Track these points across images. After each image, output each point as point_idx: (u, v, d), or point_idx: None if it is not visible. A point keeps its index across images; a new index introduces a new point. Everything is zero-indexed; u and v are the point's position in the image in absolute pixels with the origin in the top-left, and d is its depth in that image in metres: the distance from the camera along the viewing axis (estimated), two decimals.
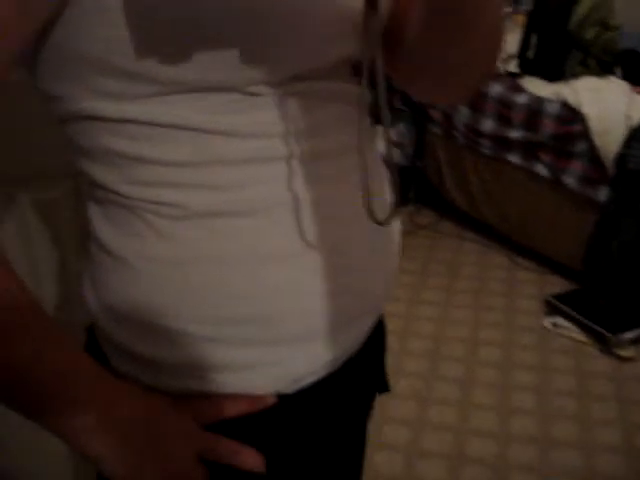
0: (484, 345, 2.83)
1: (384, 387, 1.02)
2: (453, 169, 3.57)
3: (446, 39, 0.68)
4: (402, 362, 2.64)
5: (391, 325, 0.97)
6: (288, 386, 0.76)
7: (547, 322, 2.92)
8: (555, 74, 3.08)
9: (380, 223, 0.55)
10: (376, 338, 0.93)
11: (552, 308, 2.96)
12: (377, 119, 0.60)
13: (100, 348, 0.78)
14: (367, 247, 0.78)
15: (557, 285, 3.16)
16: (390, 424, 2.35)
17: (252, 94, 0.66)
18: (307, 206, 0.72)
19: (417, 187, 3.71)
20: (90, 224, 0.74)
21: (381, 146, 0.83)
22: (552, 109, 2.96)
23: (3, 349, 0.63)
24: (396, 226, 0.86)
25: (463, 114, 3.34)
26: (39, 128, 1.28)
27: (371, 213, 0.55)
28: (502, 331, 2.91)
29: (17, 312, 0.64)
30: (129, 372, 0.75)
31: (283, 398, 0.76)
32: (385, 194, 0.82)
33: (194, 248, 0.69)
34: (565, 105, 2.92)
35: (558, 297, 2.97)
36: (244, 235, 0.70)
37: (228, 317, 0.71)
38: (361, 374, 0.89)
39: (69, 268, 1.44)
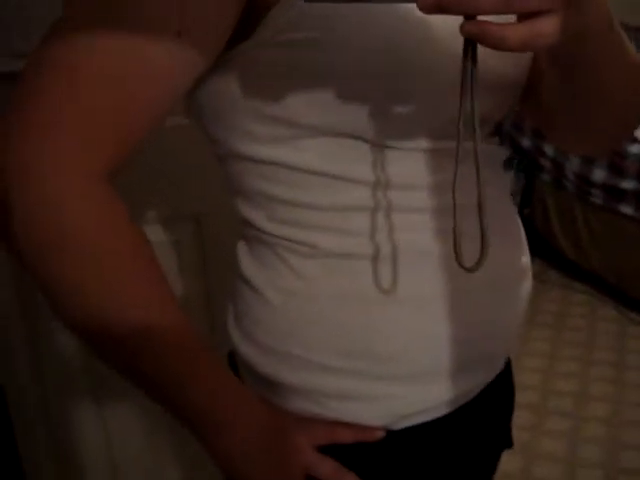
0: (593, 400, 2.75)
1: (507, 443, 1.02)
2: (562, 218, 3.51)
3: (576, 90, 0.71)
4: None
5: None
6: (396, 422, 0.79)
7: None
8: None
9: (468, 270, 0.57)
10: (504, 391, 0.94)
11: None
12: (509, 164, 0.62)
13: (237, 371, 0.85)
14: (491, 298, 0.80)
15: None
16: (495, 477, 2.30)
17: (384, 146, 0.71)
18: (432, 256, 0.75)
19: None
20: (237, 259, 0.82)
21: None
22: None
23: (159, 365, 0.70)
24: (526, 275, 0.88)
25: (574, 163, 3.29)
26: (168, 172, 1.35)
27: (459, 259, 0.57)
28: (611, 386, 2.83)
29: (173, 333, 0.69)
30: (258, 391, 0.82)
31: (391, 433, 0.79)
32: (520, 257, 0.85)
33: (321, 284, 0.75)
34: None
35: None
36: (367, 276, 0.74)
37: (341, 350, 0.76)
38: (482, 424, 0.89)
39: (192, 305, 1.50)
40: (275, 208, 0.75)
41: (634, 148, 3.00)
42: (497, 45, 0.50)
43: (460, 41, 0.67)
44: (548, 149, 3.40)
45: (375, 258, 0.74)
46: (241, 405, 0.76)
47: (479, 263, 0.56)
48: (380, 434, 0.79)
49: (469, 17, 0.50)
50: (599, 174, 3.17)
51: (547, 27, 0.51)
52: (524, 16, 0.50)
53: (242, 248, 0.82)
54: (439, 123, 0.72)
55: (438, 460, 0.85)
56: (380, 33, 0.64)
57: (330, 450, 0.79)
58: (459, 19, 0.51)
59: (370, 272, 0.74)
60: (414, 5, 0.49)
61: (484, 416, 0.89)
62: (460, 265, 0.57)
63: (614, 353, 3.05)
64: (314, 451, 0.79)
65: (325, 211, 0.74)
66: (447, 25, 0.65)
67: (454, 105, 0.70)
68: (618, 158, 3.06)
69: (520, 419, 2.60)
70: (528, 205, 3.67)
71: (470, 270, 0.57)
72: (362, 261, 0.74)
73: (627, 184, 3.06)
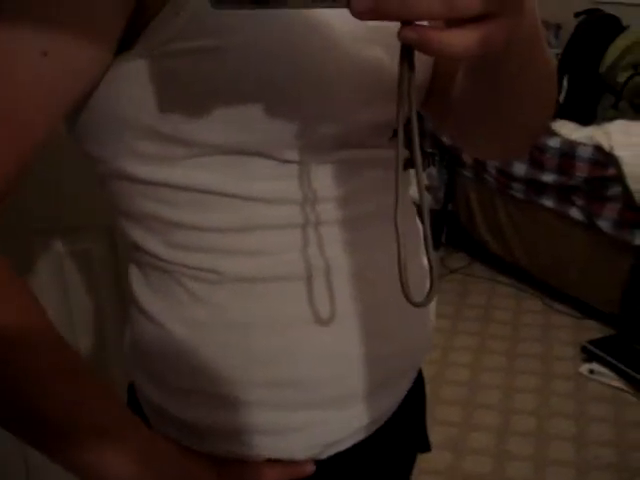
0: (519, 392, 2.78)
1: (425, 446, 1.00)
2: (485, 212, 3.55)
3: (494, 96, 0.68)
4: (435, 410, 2.60)
5: (424, 372, 0.96)
6: (322, 451, 0.75)
7: (584, 369, 2.87)
8: (587, 117, 3.07)
9: (417, 305, 0.53)
10: (414, 395, 0.91)
11: (589, 354, 2.91)
12: (410, 164, 0.58)
13: (140, 407, 0.78)
14: (403, 310, 0.75)
15: (593, 330, 3.11)
16: (424, 475, 2.30)
17: (287, 161, 0.66)
18: (342, 272, 0.71)
19: (448, 230, 3.69)
20: (130, 286, 0.75)
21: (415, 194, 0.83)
22: (585, 153, 2.94)
23: (22, 384, 0.62)
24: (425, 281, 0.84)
25: None
26: (74, 180, 1.30)
27: (408, 295, 0.53)
28: (538, 378, 2.86)
29: (40, 348, 0.63)
30: (168, 433, 0.75)
31: (318, 463, 0.75)
32: (422, 259, 0.81)
33: (228, 313, 0.69)
34: (598, 149, 2.90)
35: (595, 343, 2.92)
36: (277, 300, 0.69)
37: (261, 381, 0.70)
38: (400, 434, 0.87)
39: (105, 317, 1.44)
40: (172, 232, 0.68)
41: (553, 142, 3.04)
42: (439, 52, 0.45)
43: (366, 47, 0.64)
44: None
45: (286, 279, 0.69)
46: (147, 453, 0.70)
47: (429, 297, 0.52)
48: (310, 468, 0.74)
49: (406, 22, 0.46)
50: (519, 168, 3.21)
51: (495, 32, 0.45)
52: (464, 21, 0.45)
53: (136, 274, 0.74)
54: (344, 133, 0.68)
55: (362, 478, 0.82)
56: (283, 38, 0.59)
57: None
58: (367, 24, 0.47)
59: (282, 294, 0.69)
60: (316, 10, 0.45)
61: (403, 424, 0.87)
62: (407, 299, 0.53)
63: (539, 345, 3.09)
64: None
65: (228, 233, 0.68)
66: (353, 30, 0.62)
67: (358, 114, 0.67)
68: (537, 152, 3.10)
69: (448, 414, 2.63)
70: (451, 200, 3.70)
71: (419, 305, 0.52)
72: (273, 283, 0.69)
73: (547, 177, 3.10)
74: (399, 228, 0.54)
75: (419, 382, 0.93)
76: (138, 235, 0.71)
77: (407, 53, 0.49)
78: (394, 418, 0.83)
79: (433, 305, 0.85)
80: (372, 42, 0.65)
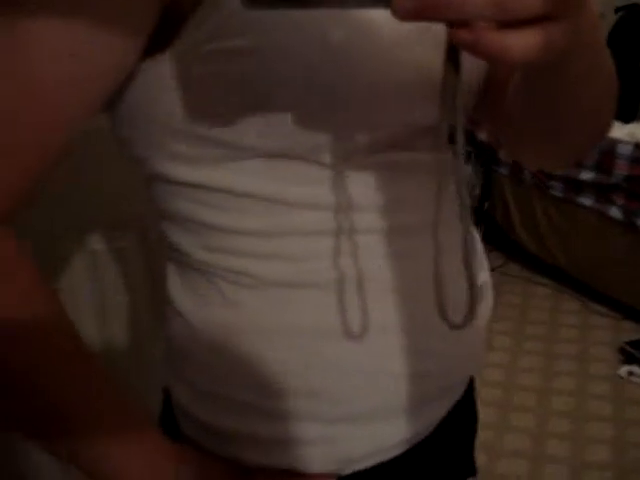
0: (556, 394, 2.74)
1: (471, 471, 0.95)
2: (521, 210, 3.51)
3: (551, 103, 0.64)
4: None
5: None
6: (347, 466, 0.72)
7: (622, 370, 2.82)
8: (628, 114, 3.01)
9: (454, 327, 0.50)
10: (465, 416, 0.87)
11: (627, 356, 2.86)
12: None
13: (172, 410, 0.77)
14: (446, 327, 0.73)
15: (632, 331, 3.05)
16: None
17: (322, 165, 0.64)
18: (379, 283, 0.69)
19: (484, 228, 3.65)
20: (167, 286, 0.74)
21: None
22: (625, 150, 2.88)
23: (21, 368, 0.61)
24: (485, 303, 0.81)
25: None
26: (112, 179, 1.30)
27: (444, 315, 0.50)
28: (575, 380, 2.82)
29: (43, 333, 0.62)
30: (196, 437, 0.74)
31: (342, 479, 0.73)
32: (480, 273, 0.78)
33: (258, 317, 0.68)
34: (639, 146, 2.84)
35: (633, 344, 2.87)
36: (308, 307, 0.67)
37: (284, 390, 0.68)
38: (442, 456, 0.83)
39: (137, 316, 1.44)
40: (208, 234, 0.68)
41: None
42: (495, 56, 0.41)
43: (412, 48, 0.62)
44: None
45: (320, 286, 0.67)
46: (166, 458, 0.69)
47: (467, 319, 0.48)
48: None
49: (452, 23, 0.42)
50: None
51: (556, 35, 0.42)
52: (520, 22, 0.41)
53: (171, 274, 0.74)
54: (387, 136, 0.65)
55: None
56: (324, 40, 0.57)
57: None
58: (412, 25, 0.44)
59: (316, 302, 0.67)
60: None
61: (444, 448, 0.82)
62: (446, 321, 0.50)
63: (577, 346, 3.04)
64: None
65: (263, 237, 0.66)
66: (397, 29, 0.59)
67: (403, 117, 0.65)
68: None
69: (484, 416, 2.58)
70: (488, 199, 3.66)
71: (456, 327, 0.49)
72: (307, 290, 0.67)
73: (585, 175, 3.05)
74: (439, 241, 0.51)
75: (469, 397, 0.89)
76: (175, 236, 0.70)
77: (453, 55, 0.46)
78: (434, 439, 0.79)
79: (485, 315, 0.81)
80: (418, 42, 0.62)
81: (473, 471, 0.95)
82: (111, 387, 0.67)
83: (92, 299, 1.39)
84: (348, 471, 0.73)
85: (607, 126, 0.74)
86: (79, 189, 1.29)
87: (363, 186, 0.66)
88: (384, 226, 0.68)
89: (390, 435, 0.73)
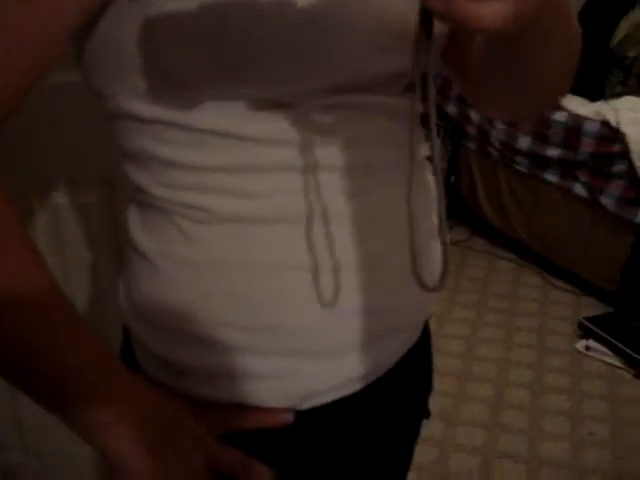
0: (515, 366, 2.78)
1: (425, 413, 0.98)
2: (487, 185, 3.53)
3: (514, 61, 0.66)
4: None
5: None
6: (303, 401, 0.74)
7: (580, 345, 2.87)
8: (596, 93, 3.04)
9: (430, 290, 0.51)
10: (420, 361, 0.90)
11: (586, 330, 2.90)
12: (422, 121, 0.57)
13: (131, 349, 0.78)
14: (400, 265, 0.74)
15: (591, 307, 3.10)
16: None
17: (285, 103, 0.65)
18: (338, 219, 0.70)
19: (450, 203, 3.67)
20: (126, 226, 0.75)
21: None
22: (592, 128, 2.91)
23: (21, 337, 0.63)
24: (436, 244, 0.82)
25: (499, 130, 3.30)
26: (75, 132, 1.28)
27: (420, 281, 0.51)
28: (534, 352, 2.87)
29: (39, 301, 0.63)
30: (155, 374, 0.75)
31: (299, 413, 0.74)
32: (432, 221, 0.79)
33: (217, 252, 0.68)
34: (605, 124, 2.88)
35: (592, 319, 2.91)
36: (267, 243, 0.68)
37: (238, 324, 0.69)
38: (396, 397, 0.85)
39: (101, 270, 1.43)
40: (169, 171, 0.68)
41: (559, 116, 3.02)
42: (464, 24, 0.43)
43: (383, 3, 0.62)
44: (474, 116, 3.40)
45: (277, 222, 0.68)
46: (125, 392, 0.69)
47: (442, 282, 0.50)
48: (288, 417, 0.73)
49: None
50: (524, 142, 3.18)
51: (524, 5, 0.43)
52: None
53: (133, 214, 0.74)
54: (353, 78, 0.66)
55: (352, 439, 0.80)
56: None
57: (234, 436, 0.73)
58: None
59: (272, 238, 0.68)
60: None
61: (399, 389, 0.85)
62: (420, 285, 0.51)
63: (537, 319, 3.08)
64: (216, 441, 0.73)
65: (223, 173, 0.67)
66: None
67: (371, 60, 0.65)
68: (543, 126, 3.07)
69: (443, 385, 2.62)
70: (454, 173, 3.68)
71: (433, 290, 0.51)
72: (262, 226, 0.68)
73: (552, 152, 3.08)
74: (412, 207, 0.52)
75: (425, 343, 0.92)
76: (136, 174, 0.71)
77: (426, 21, 0.47)
78: (393, 377, 0.81)
79: (437, 256, 0.83)
80: None
81: (427, 414, 0.99)
82: (96, 344, 0.68)
83: (55, 253, 1.38)
84: (306, 406, 0.74)
85: (565, 88, 0.76)
86: (41, 141, 1.27)
87: (326, 124, 0.67)
88: (349, 163, 0.69)
89: (345, 370, 0.74)
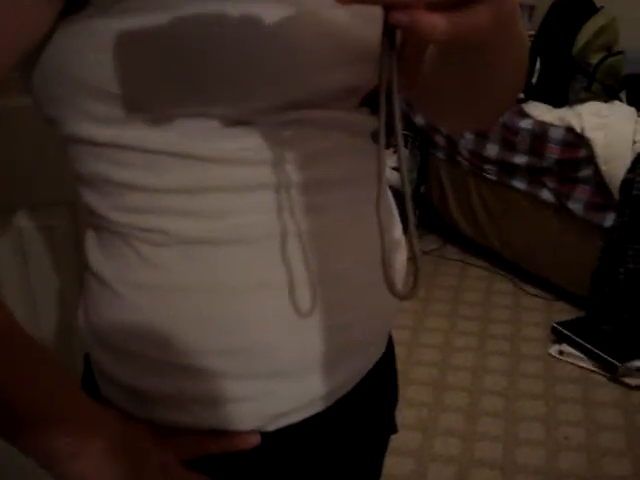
0: (489, 373, 2.79)
1: (392, 429, 0.97)
2: (457, 194, 3.55)
3: (466, 72, 0.68)
4: (405, 391, 2.60)
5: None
6: (270, 423, 0.73)
7: (553, 350, 2.88)
8: (559, 99, 3.06)
9: (402, 298, 0.52)
10: (385, 376, 0.89)
11: (558, 335, 2.92)
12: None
13: (93, 377, 0.77)
14: (364, 280, 0.74)
15: (563, 312, 3.12)
16: (393, 455, 2.30)
17: (242, 122, 0.64)
18: (302, 237, 0.69)
19: (420, 212, 3.69)
20: (85, 251, 0.74)
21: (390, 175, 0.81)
22: (557, 134, 2.94)
23: None
24: (399, 256, 0.83)
25: (467, 139, 3.32)
26: (38, 156, 1.28)
27: (392, 289, 0.52)
28: (507, 359, 2.88)
29: None
30: (117, 401, 0.74)
31: (266, 436, 0.73)
32: (394, 230, 0.79)
33: (178, 275, 0.68)
34: (570, 130, 2.91)
35: (564, 324, 2.93)
36: (229, 264, 0.67)
37: (206, 348, 0.68)
38: (365, 411, 0.85)
39: (67, 296, 1.42)
40: (123, 194, 0.67)
41: (525, 123, 3.05)
42: (427, 35, 0.45)
43: (330, 11, 0.63)
44: None
45: (239, 242, 0.67)
46: (89, 421, 0.69)
47: (414, 290, 0.50)
48: (254, 440, 0.72)
49: (388, 7, 0.45)
50: (492, 150, 3.21)
51: (482, 17, 0.46)
52: (448, 5, 0.45)
53: (90, 238, 0.73)
54: (301, 95, 0.66)
55: (318, 458, 0.80)
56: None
57: (200, 461, 0.72)
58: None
59: (234, 259, 0.67)
60: None
61: (364, 405, 0.84)
62: (392, 293, 0.51)
63: (510, 326, 3.10)
64: (182, 467, 0.72)
65: (178, 194, 0.66)
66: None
67: (318, 77, 0.65)
68: (510, 133, 3.10)
69: (419, 395, 2.63)
70: (424, 182, 3.69)
71: (404, 298, 0.51)
72: (223, 247, 0.67)
73: (519, 159, 3.10)
74: (382, 218, 0.53)
75: (389, 356, 0.91)
76: (92, 199, 0.70)
77: (389, 33, 0.49)
78: (357, 394, 0.80)
79: (401, 270, 0.83)
80: (336, 6, 0.63)
81: (394, 429, 0.98)
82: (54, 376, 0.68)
83: (19, 278, 1.37)
84: (272, 428, 0.73)
85: (516, 94, 0.78)
86: (5, 167, 1.27)
87: (281, 141, 0.67)
88: (307, 179, 0.69)
89: (311, 389, 0.73)
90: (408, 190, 0.50)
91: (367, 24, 0.64)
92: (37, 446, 0.66)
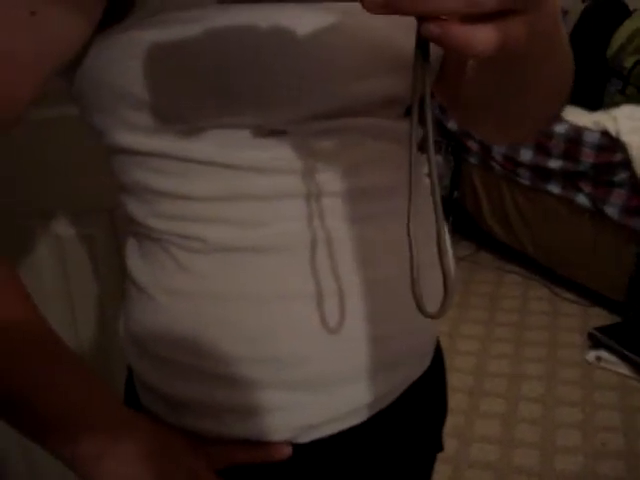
0: (526, 380, 2.77)
1: (438, 447, 0.95)
2: (491, 200, 3.53)
3: (507, 85, 0.66)
4: None
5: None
6: (301, 434, 0.72)
7: (591, 356, 2.85)
8: (594, 103, 3.04)
9: (430, 317, 0.51)
10: (432, 390, 0.88)
11: (595, 341, 2.89)
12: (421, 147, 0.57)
13: (134, 387, 0.78)
14: (406, 290, 0.73)
15: (600, 317, 3.09)
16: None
17: (277, 131, 0.65)
18: (339, 246, 0.69)
19: (455, 218, 3.68)
20: (126, 259, 0.75)
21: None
22: (592, 138, 2.92)
23: (9, 373, 0.64)
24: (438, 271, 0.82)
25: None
26: (79, 163, 1.29)
27: (420, 306, 0.51)
28: (544, 365, 2.85)
29: (27, 337, 0.65)
30: (153, 408, 0.75)
31: (298, 448, 0.72)
32: (432, 245, 0.79)
33: (214, 283, 0.68)
34: (605, 134, 2.88)
35: (601, 330, 2.90)
36: (265, 272, 0.68)
37: (237, 356, 0.68)
38: (406, 428, 0.83)
39: (105, 304, 1.44)
40: (161, 202, 0.68)
41: (559, 128, 3.02)
42: (461, 49, 0.43)
43: (369, 20, 0.62)
44: None
45: (275, 251, 0.67)
46: (121, 426, 0.69)
47: (443, 308, 0.49)
48: (286, 451, 0.72)
49: (422, 17, 0.43)
50: (526, 154, 3.19)
51: (517, 29, 0.44)
52: (482, 17, 0.43)
53: (131, 245, 0.74)
54: (339, 104, 0.66)
55: (356, 474, 0.78)
56: (275, 8, 0.58)
57: (231, 470, 0.72)
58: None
59: (270, 267, 0.67)
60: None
61: (408, 420, 0.82)
62: (421, 311, 0.50)
63: (546, 332, 3.07)
64: (213, 476, 0.72)
65: (216, 202, 0.67)
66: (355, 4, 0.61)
67: (355, 86, 0.65)
68: (544, 138, 3.08)
69: (455, 402, 2.61)
70: (457, 188, 3.68)
71: (433, 317, 0.50)
72: (260, 255, 0.67)
73: (553, 164, 3.08)
74: (412, 233, 0.51)
75: (437, 370, 0.89)
76: (132, 206, 0.71)
77: (423, 45, 0.47)
78: (399, 408, 0.79)
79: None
80: (374, 16, 0.64)
81: (440, 447, 0.96)
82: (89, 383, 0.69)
83: (58, 286, 1.38)
84: (305, 439, 0.73)
85: (559, 109, 0.76)
86: (45, 172, 1.28)
87: (320, 150, 0.67)
88: (348, 188, 0.68)
89: (343, 402, 0.73)
90: (440, 207, 0.49)
91: (405, 33, 0.64)
92: (64, 448, 0.67)
